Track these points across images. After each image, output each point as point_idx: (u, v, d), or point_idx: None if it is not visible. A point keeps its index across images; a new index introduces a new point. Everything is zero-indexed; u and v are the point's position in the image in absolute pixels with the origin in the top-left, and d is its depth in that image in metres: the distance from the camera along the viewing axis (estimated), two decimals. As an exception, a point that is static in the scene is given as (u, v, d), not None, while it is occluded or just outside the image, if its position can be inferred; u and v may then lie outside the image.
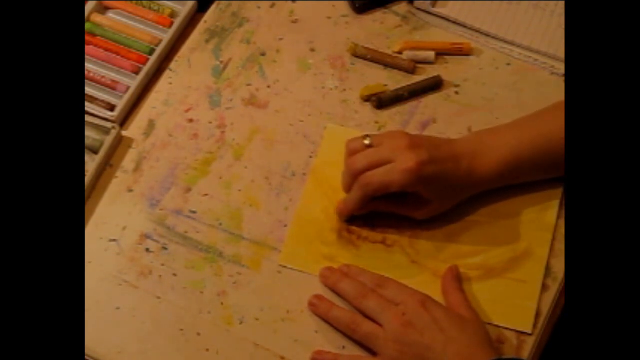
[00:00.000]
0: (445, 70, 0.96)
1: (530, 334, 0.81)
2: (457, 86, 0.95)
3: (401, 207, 0.85)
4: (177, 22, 0.98)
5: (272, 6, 1.00)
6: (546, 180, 0.87)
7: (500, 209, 0.87)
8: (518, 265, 0.84)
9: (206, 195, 0.89)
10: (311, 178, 0.89)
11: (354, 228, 0.86)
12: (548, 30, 0.98)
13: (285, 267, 0.84)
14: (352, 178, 0.83)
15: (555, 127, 0.83)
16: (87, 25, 0.97)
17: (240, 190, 0.89)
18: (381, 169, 0.81)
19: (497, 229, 0.86)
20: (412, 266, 0.85)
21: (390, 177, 0.81)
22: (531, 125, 0.85)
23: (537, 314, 0.82)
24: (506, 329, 0.81)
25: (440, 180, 0.82)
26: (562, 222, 0.86)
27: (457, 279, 0.83)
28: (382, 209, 0.85)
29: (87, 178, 0.87)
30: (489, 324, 0.81)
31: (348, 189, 0.84)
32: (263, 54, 0.97)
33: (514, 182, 0.86)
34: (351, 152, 0.84)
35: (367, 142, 0.83)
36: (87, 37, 0.96)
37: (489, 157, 0.84)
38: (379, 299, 0.80)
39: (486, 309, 0.82)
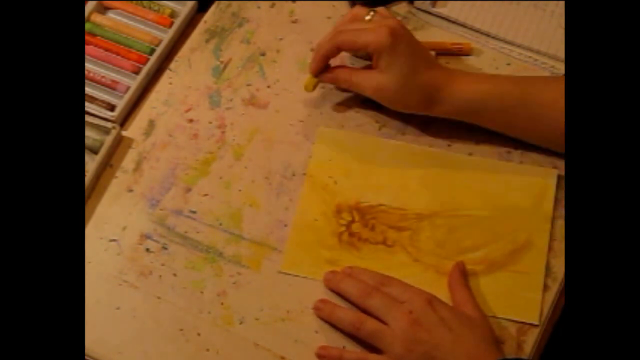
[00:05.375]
0: (445, 70, 0.96)
1: (537, 325, 0.81)
2: (457, 86, 0.95)
3: (356, 71, 0.89)
4: (177, 22, 0.98)
5: (272, 6, 1.00)
6: (540, 169, 0.88)
7: (497, 201, 0.87)
8: (519, 257, 0.84)
9: (206, 195, 0.89)
10: (307, 182, 0.89)
11: (354, 230, 0.86)
12: (548, 30, 0.98)
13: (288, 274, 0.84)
14: (335, 29, 0.89)
15: (547, 92, 0.86)
16: (87, 25, 0.97)
17: (240, 190, 0.89)
18: (357, 31, 0.87)
19: (496, 222, 0.86)
20: (414, 264, 0.85)
21: (360, 34, 0.86)
22: (516, 80, 0.88)
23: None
24: (513, 321, 0.81)
25: (407, 60, 0.85)
26: (562, 222, 0.86)
27: (463, 275, 0.83)
28: (340, 77, 0.89)
29: (87, 178, 0.87)
30: (496, 317, 0.81)
31: (324, 40, 0.89)
32: (263, 54, 0.97)
33: (474, 120, 0.88)
34: (352, 18, 0.89)
35: (368, 17, 0.88)
36: (87, 37, 0.96)
37: (465, 84, 0.86)
38: (383, 297, 0.80)
39: (491, 302, 0.82)
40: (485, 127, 0.89)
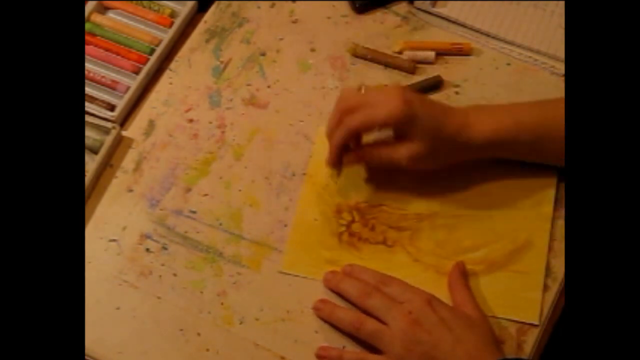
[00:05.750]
0: (445, 70, 0.96)
1: (537, 325, 0.81)
2: (457, 86, 0.95)
3: (384, 148, 0.84)
4: (177, 22, 0.98)
5: (272, 6, 1.00)
6: (540, 169, 0.87)
7: (497, 201, 0.87)
8: (519, 257, 0.84)
9: (206, 195, 0.89)
10: (307, 182, 0.89)
11: (354, 230, 0.86)
12: (548, 30, 0.98)
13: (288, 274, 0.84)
14: (339, 113, 0.83)
15: (559, 114, 0.81)
16: (87, 25, 0.97)
17: (240, 190, 0.89)
18: (367, 109, 0.82)
19: (496, 222, 0.86)
20: (414, 265, 0.85)
21: (374, 112, 0.81)
22: (535, 106, 0.85)
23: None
24: (513, 321, 0.81)
25: (428, 119, 0.81)
26: (562, 222, 0.86)
27: (463, 276, 0.83)
28: (368, 157, 0.85)
29: (87, 178, 0.87)
30: (496, 317, 0.81)
31: (332, 128, 0.83)
32: (263, 54, 0.97)
33: (506, 154, 0.85)
34: (344, 94, 0.84)
35: (362, 91, 0.84)
36: (87, 37, 0.96)
37: (486, 120, 0.83)
38: (383, 297, 0.80)
39: (491, 303, 0.82)
40: (523, 159, 0.86)
